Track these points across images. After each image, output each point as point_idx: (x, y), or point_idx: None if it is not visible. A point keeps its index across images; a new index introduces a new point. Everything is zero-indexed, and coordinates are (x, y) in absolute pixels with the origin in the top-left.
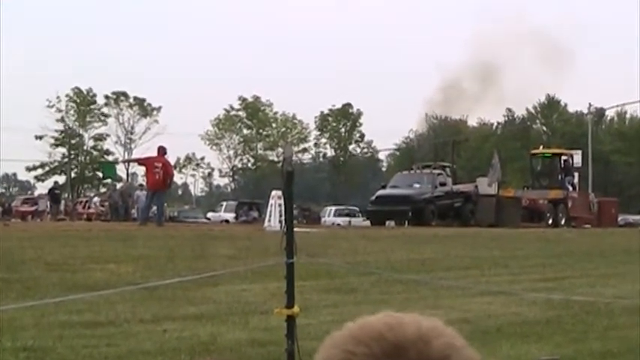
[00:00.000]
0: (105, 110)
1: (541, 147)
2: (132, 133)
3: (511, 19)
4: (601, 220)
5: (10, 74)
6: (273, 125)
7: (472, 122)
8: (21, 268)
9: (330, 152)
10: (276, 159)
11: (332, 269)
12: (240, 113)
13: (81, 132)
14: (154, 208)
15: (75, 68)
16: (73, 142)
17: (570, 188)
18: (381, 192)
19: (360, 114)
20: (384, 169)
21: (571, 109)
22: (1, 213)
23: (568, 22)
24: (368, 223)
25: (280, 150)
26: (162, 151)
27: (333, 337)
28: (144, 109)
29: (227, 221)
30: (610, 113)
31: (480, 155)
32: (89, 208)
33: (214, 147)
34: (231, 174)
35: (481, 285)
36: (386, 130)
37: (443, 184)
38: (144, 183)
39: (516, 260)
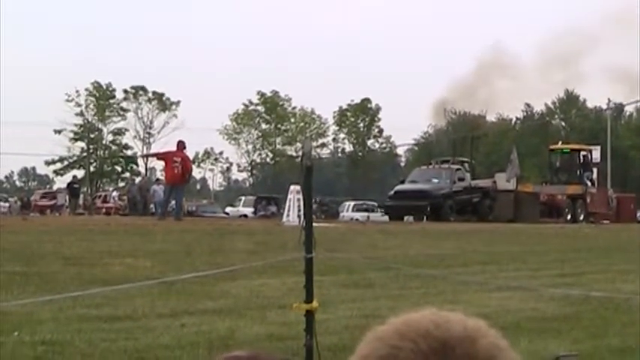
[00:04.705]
0: (124, 105)
1: (560, 142)
2: (150, 128)
3: None
4: (619, 215)
5: (29, 68)
6: (292, 120)
7: (491, 117)
8: (39, 262)
9: (348, 147)
10: (294, 154)
11: (350, 264)
12: (259, 108)
13: (100, 126)
14: (173, 202)
15: (94, 62)
16: (92, 136)
17: (589, 184)
18: (399, 187)
19: (378, 109)
20: (402, 164)
21: (590, 104)
22: (20, 207)
23: None
24: (386, 218)
25: (299, 145)
26: (181, 145)
27: (377, 331)
28: (163, 103)
29: (245, 216)
30: (629, 109)
31: (499, 151)
32: (108, 202)
33: (233, 142)
34: (249, 169)
35: (499, 280)
36: (404, 125)
37: (461, 180)
38: (161, 177)
39: (535, 256)
